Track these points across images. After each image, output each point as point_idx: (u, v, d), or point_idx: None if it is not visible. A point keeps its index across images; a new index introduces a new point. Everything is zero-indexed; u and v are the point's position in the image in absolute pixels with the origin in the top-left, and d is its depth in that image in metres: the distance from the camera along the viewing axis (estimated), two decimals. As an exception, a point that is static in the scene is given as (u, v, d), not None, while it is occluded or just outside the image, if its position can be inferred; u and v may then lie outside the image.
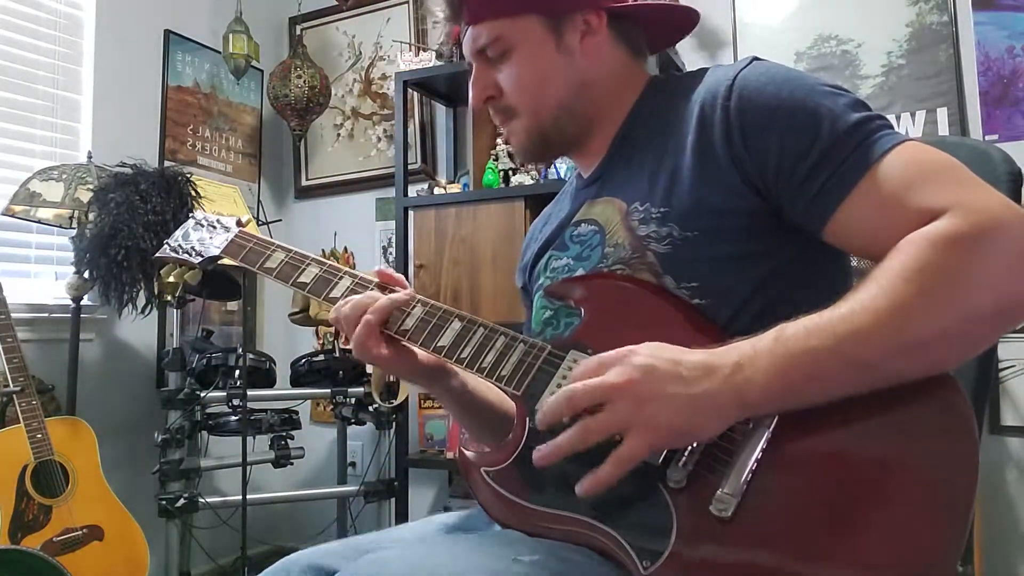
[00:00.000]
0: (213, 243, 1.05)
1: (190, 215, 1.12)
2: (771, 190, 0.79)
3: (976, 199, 0.70)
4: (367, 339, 0.88)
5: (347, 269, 0.95)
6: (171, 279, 1.08)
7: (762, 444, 0.69)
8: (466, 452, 0.82)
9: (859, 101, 0.79)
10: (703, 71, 0.89)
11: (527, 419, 0.80)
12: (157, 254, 1.11)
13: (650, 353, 0.71)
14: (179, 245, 1.07)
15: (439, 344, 0.86)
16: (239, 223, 1.07)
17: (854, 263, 0.92)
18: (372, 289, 0.92)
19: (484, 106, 0.95)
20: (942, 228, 0.69)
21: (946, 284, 0.67)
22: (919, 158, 0.74)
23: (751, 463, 0.68)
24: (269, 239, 1.03)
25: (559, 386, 0.78)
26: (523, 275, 1.08)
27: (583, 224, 0.94)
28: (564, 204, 1.02)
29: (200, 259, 1.05)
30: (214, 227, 1.07)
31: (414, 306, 0.89)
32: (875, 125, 0.77)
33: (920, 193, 0.72)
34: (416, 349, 0.90)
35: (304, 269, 0.97)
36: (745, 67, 0.83)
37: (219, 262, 1.05)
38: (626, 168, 0.91)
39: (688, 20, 0.99)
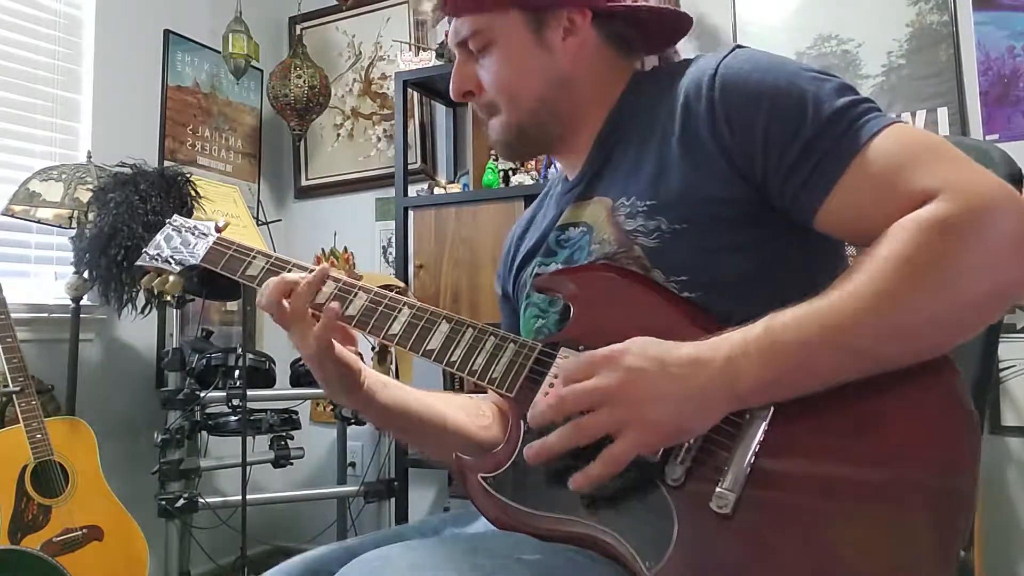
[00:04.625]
0: (192, 250, 1.00)
1: (167, 221, 1.06)
2: (759, 178, 0.78)
3: (967, 180, 0.69)
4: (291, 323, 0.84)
5: (331, 273, 0.91)
6: (154, 288, 1.02)
7: (759, 436, 0.69)
8: (463, 457, 0.80)
9: (845, 85, 0.78)
10: (687, 62, 0.87)
11: (521, 422, 0.78)
12: (137, 262, 1.05)
13: (639, 352, 0.70)
14: (158, 253, 1.02)
15: (428, 347, 0.84)
16: (217, 228, 1.02)
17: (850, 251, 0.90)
18: (357, 293, 0.88)
19: (464, 99, 0.95)
20: (932, 212, 0.67)
21: (937, 270, 0.66)
22: (907, 140, 0.73)
23: (749, 456, 0.68)
24: (249, 245, 0.97)
25: (551, 386, 0.77)
26: (504, 282, 1.05)
27: (571, 228, 0.91)
28: (548, 209, 1.00)
29: (179, 268, 1.00)
30: (192, 232, 1.02)
31: (400, 309, 0.86)
32: (861, 109, 0.75)
33: (910, 176, 0.70)
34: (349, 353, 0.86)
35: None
36: (728, 55, 0.82)
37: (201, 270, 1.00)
38: (611, 165, 0.90)
39: (681, 23, 0.97)
